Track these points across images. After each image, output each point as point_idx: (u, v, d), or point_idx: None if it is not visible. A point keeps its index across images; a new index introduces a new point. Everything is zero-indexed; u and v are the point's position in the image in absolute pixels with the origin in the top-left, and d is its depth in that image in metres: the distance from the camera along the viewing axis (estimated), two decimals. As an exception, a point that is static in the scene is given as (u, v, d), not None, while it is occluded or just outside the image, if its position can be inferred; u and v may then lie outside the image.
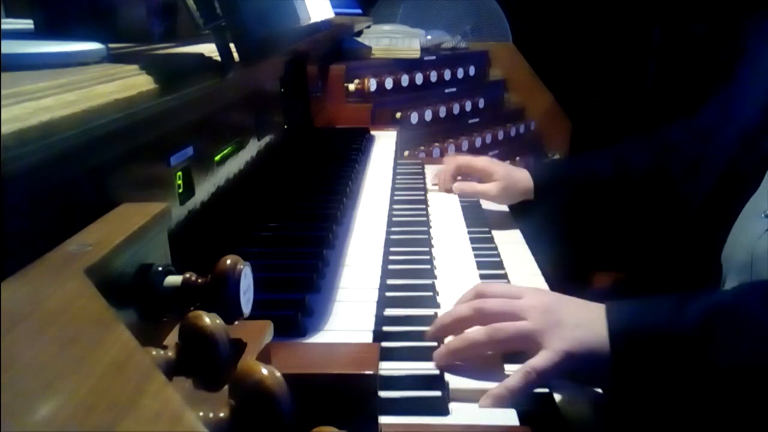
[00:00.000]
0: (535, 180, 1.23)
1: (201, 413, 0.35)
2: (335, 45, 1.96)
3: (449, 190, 1.32)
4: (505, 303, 0.73)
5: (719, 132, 1.04)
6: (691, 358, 0.67)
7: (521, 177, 1.24)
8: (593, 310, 0.72)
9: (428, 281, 0.89)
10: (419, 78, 2.12)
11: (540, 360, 0.68)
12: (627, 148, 1.25)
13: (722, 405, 0.67)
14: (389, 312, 0.81)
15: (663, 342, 0.68)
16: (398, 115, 2.02)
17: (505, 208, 1.30)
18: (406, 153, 1.93)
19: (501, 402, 0.65)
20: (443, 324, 0.74)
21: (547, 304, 0.73)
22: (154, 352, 0.40)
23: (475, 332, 0.71)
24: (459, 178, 1.34)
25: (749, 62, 1.07)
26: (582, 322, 0.70)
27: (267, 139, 1.19)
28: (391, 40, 2.23)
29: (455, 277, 0.94)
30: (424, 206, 1.24)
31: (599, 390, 0.72)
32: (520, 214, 1.27)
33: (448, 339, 0.73)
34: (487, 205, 1.30)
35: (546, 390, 0.70)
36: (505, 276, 1.00)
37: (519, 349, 0.72)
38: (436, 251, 1.02)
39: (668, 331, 0.68)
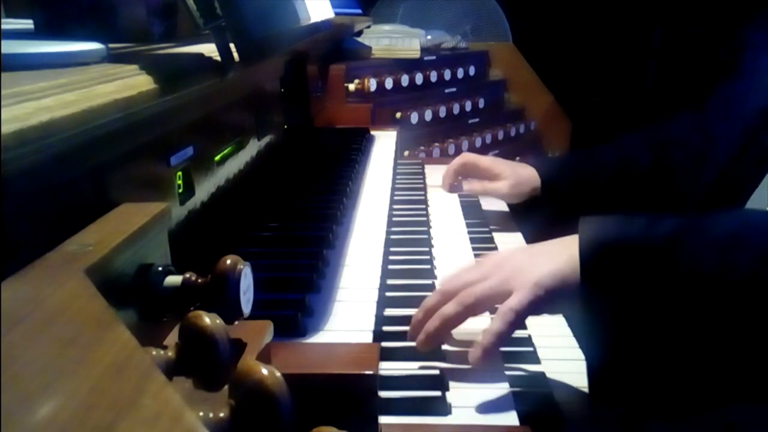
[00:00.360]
0: (542, 176, 1.22)
1: (201, 413, 0.35)
2: (335, 45, 1.96)
3: (452, 187, 1.31)
4: (465, 275, 0.74)
5: (721, 127, 1.04)
6: (661, 269, 0.66)
7: (528, 174, 1.23)
8: (566, 241, 0.72)
9: (428, 281, 0.89)
10: (419, 78, 2.12)
11: (514, 299, 0.68)
12: (630, 142, 1.24)
13: (694, 320, 0.66)
14: (389, 312, 0.81)
15: (634, 252, 0.67)
16: (398, 115, 2.02)
17: (505, 208, 1.30)
18: (406, 153, 1.93)
19: (491, 349, 0.67)
20: (416, 320, 0.74)
21: (502, 257, 0.75)
22: (154, 352, 0.40)
23: (446, 307, 0.71)
24: (460, 178, 1.32)
25: (750, 59, 1.07)
26: (542, 256, 0.71)
27: (267, 139, 1.19)
28: (391, 40, 2.23)
29: (455, 277, 0.94)
30: (424, 206, 1.24)
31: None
32: (520, 213, 1.27)
33: None
34: (487, 204, 1.30)
35: (546, 390, 0.70)
36: (505, 276, 1.00)
37: (493, 304, 0.72)
38: (436, 251, 1.02)
39: (638, 242, 0.67)
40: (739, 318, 0.64)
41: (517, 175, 1.23)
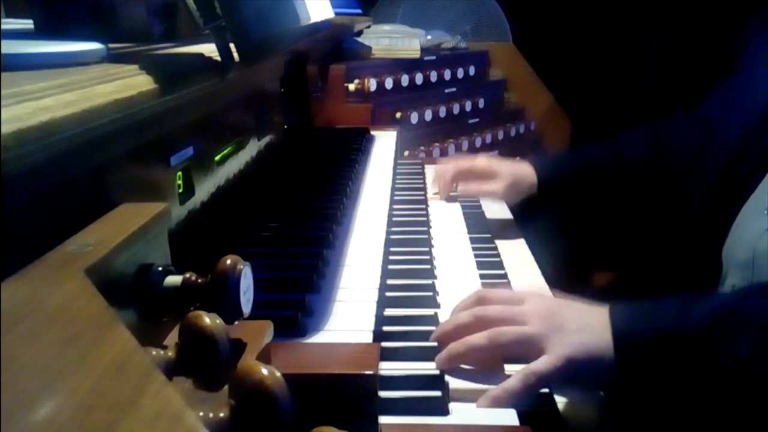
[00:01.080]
0: (539, 173, 1.21)
1: (201, 413, 0.35)
2: (335, 45, 1.96)
3: (451, 198, 1.29)
4: (505, 309, 0.73)
5: (721, 127, 1.04)
6: (696, 361, 0.66)
7: (525, 172, 1.22)
8: (596, 313, 0.71)
9: (428, 281, 0.89)
10: (419, 78, 2.12)
11: (541, 364, 0.67)
12: (628, 140, 1.23)
13: (726, 408, 0.67)
14: (389, 312, 0.81)
15: (667, 345, 0.67)
16: (398, 115, 2.02)
17: (504, 207, 1.30)
18: (406, 153, 1.93)
19: (498, 403, 0.65)
20: (444, 331, 0.73)
21: (548, 308, 0.72)
22: (154, 352, 0.40)
23: (476, 337, 0.70)
24: (455, 185, 1.30)
25: (750, 59, 1.07)
26: (584, 327, 0.70)
27: (267, 139, 1.19)
28: (391, 40, 2.23)
29: (455, 277, 0.94)
30: (424, 206, 1.24)
31: (600, 392, 0.72)
32: (520, 213, 1.27)
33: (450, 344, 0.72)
34: (486, 204, 1.30)
35: (546, 390, 0.70)
36: (505, 276, 1.00)
37: (520, 353, 0.71)
38: (436, 251, 1.02)
39: (672, 334, 0.67)
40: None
41: (514, 174, 1.21)
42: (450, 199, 1.29)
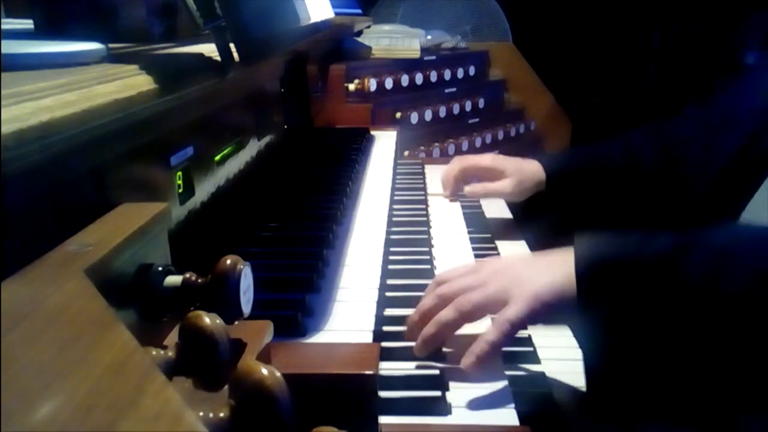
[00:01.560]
0: (547, 169, 1.20)
1: (201, 413, 0.35)
2: (335, 45, 1.96)
3: (455, 194, 1.28)
4: (463, 280, 0.74)
5: (727, 124, 1.04)
6: (656, 282, 0.67)
7: (533, 169, 1.20)
8: (558, 254, 0.73)
9: (428, 281, 0.89)
10: (419, 78, 2.12)
11: (511, 310, 0.69)
12: (636, 139, 1.23)
13: (689, 332, 0.67)
14: (389, 312, 0.81)
15: (629, 268, 0.68)
16: (398, 115, 2.02)
17: (504, 207, 1.30)
18: (406, 153, 1.93)
19: (485, 357, 0.67)
20: (413, 322, 0.74)
21: (503, 266, 0.74)
22: (154, 352, 0.40)
23: (443, 313, 0.71)
24: (461, 184, 1.29)
25: (750, 59, 1.07)
26: (542, 268, 0.71)
27: (267, 139, 1.19)
28: (391, 40, 2.23)
29: (455, 277, 0.94)
30: (424, 206, 1.24)
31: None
32: (521, 213, 1.27)
33: None
34: (486, 204, 1.30)
35: (546, 390, 0.70)
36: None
37: (490, 313, 0.73)
38: (436, 251, 1.02)
39: (632, 259, 0.68)
40: (732, 330, 0.65)
41: (521, 172, 1.20)
42: (455, 198, 1.28)
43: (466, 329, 0.73)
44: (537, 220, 1.23)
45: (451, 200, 1.28)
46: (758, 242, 0.69)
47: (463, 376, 0.69)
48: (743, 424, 0.68)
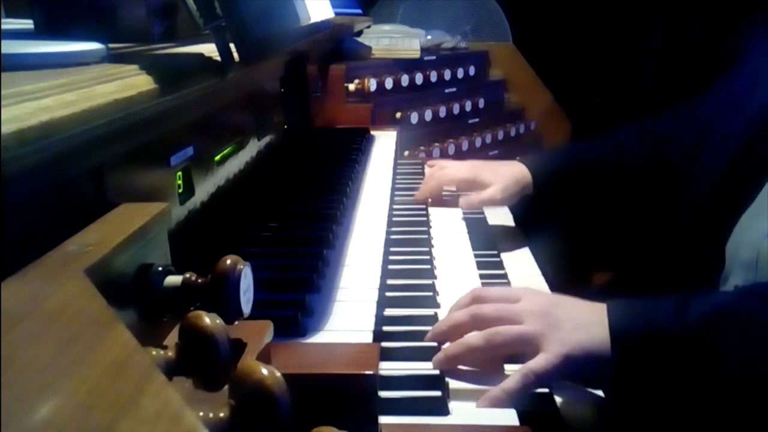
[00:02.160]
0: (534, 171, 1.18)
1: (201, 413, 0.35)
2: (335, 45, 1.96)
3: (435, 201, 1.26)
4: (501, 307, 0.73)
5: (722, 125, 1.04)
6: (692, 360, 0.67)
7: (512, 171, 1.18)
8: (593, 310, 0.71)
9: (428, 281, 0.89)
10: (419, 78, 2.12)
11: (538, 363, 0.67)
12: (624, 136, 1.21)
13: (722, 408, 0.67)
14: (389, 312, 0.81)
15: (665, 343, 0.67)
16: (398, 115, 2.02)
17: (504, 207, 1.29)
18: (406, 153, 1.93)
19: (498, 403, 0.65)
20: (440, 331, 0.74)
21: (544, 306, 0.72)
22: (154, 352, 0.40)
23: (472, 337, 0.70)
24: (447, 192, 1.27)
25: (751, 58, 1.07)
26: (581, 324, 0.70)
27: (267, 139, 1.19)
28: (391, 40, 2.23)
29: (455, 277, 0.94)
30: (424, 206, 1.24)
31: (599, 392, 0.72)
32: (519, 213, 1.26)
33: (446, 345, 0.72)
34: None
35: (546, 390, 0.70)
36: (505, 276, 1.00)
37: (517, 352, 0.71)
38: (436, 251, 1.02)
39: (669, 332, 0.67)
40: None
41: (502, 178, 1.17)
42: (435, 202, 1.26)
43: None
44: (535, 219, 1.23)
45: (439, 204, 1.26)
46: None
47: (464, 376, 0.69)
48: None
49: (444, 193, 1.28)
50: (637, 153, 1.18)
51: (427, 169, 1.31)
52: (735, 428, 0.68)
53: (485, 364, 0.71)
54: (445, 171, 1.27)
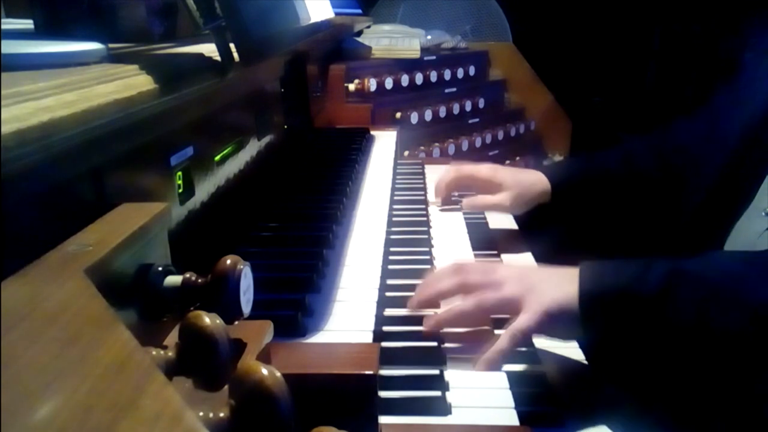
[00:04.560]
0: (553, 180, 1.15)
1: (201, 413, 0.35)
2: (335, 45, 1.96)
3: (446, 201, 1.24)
4: (484, 275, 0.79)
5: (722, 128, 1.04)
6: (651, 316, 0.72)
7: (534, 180, 1.15)
8: (566, 273, 0.76)
9: (428, 281, 0.89)
10: (419, 78, 2.12)
11: (521, 321, 0.74)
12: (635, 147, 1.22)
13: (682, 360, 0.73)
14: (389, 312, 0.81)
15: (626, 300, 0.72)
16: (398, 115, 2.02)
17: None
18: (406, 153, 1.93)
19: (494, 364, 0.72)
20: (427, 297, 0.80)
21: (521, 272, 0.79)
22: (154, 352, 0.40)
23: (463, 303, 0.77)
24: (455, 194, 1.25)
25: (751, 59, 1.07)
26: (555, 285, 0.75)
27: (267, 139, 1.19)
28: (391, 40, 2.23)
29: (455, 277, 0.94)
30: (424, 206, 1.24)
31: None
32: (520, 216, 1.26)
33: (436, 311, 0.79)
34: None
35: (546, 390, 0.70)
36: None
37: (502, 314, 0.78)
38: (436, 251, 1.02)
39: (632, 290, 0.72)
40: (723, 362, 0.71)
41: (520, 184, 1.14)
42: (447, 203, 1.24)
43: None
44: (534, 220, 1.22)
45: (449, 205, 1.24)
46: (747, 275, 0.73)
47: (464, 377, 0.69)
48: None
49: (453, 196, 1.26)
50: (647, 165, 1.18)
51: (447, 166, 1.29)
52: (695, 380, 0.74)
53: (473, 325, 0.79)
54: (466, 166, 1.24)
